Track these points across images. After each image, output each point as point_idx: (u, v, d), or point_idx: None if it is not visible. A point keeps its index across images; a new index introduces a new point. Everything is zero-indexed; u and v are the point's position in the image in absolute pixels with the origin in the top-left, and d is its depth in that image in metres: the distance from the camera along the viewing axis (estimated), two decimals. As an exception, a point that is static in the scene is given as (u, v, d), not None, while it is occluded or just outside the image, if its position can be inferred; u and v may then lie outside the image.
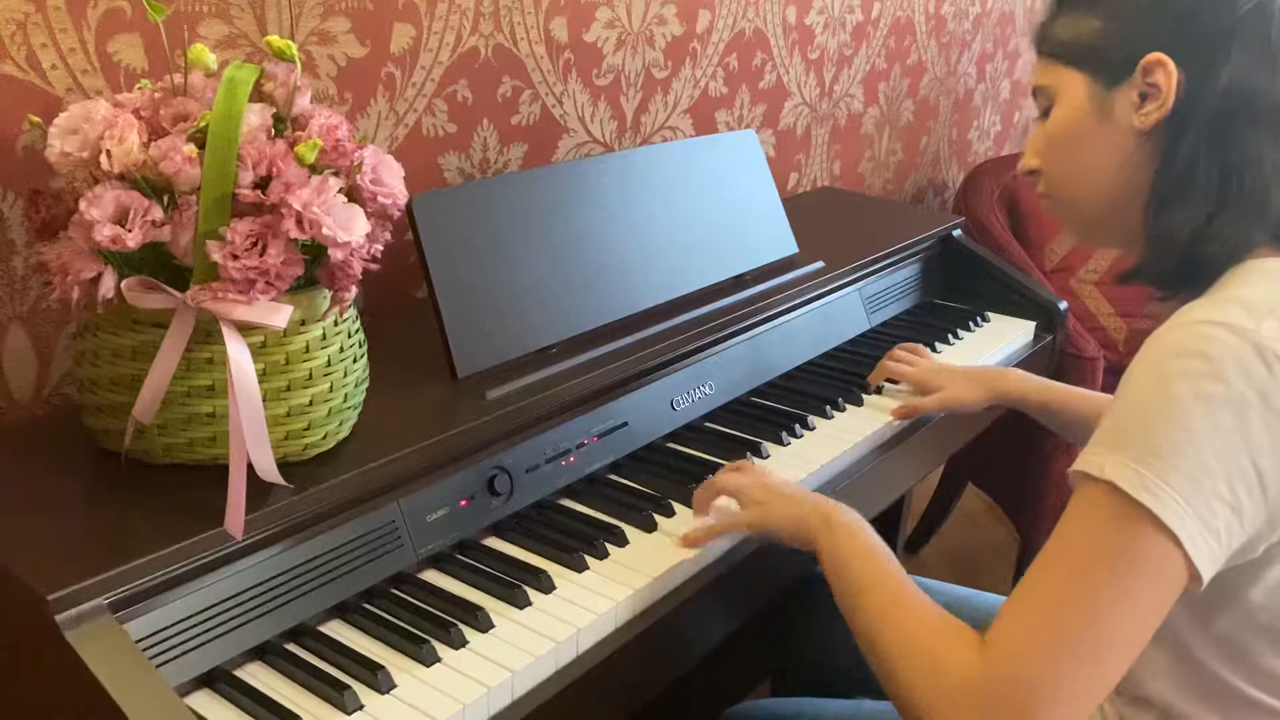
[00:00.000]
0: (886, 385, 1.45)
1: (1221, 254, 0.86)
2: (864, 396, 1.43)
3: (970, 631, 0.83)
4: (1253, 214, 0.86)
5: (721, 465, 1.20)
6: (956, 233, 1.86)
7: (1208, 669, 0.86)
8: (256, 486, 0.86)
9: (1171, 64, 0.87)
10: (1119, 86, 0.90)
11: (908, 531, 2.33)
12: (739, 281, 1.47)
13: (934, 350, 1.62)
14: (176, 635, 0.82)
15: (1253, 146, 0.86)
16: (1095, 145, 0.93)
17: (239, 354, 0.84)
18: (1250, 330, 0.76)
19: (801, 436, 1.32)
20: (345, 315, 0.96)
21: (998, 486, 2.20)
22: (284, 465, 0.90)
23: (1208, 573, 0.76)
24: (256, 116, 0.86)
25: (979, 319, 1.75)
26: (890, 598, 0.88)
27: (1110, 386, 2.04)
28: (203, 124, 0.84)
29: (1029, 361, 1.72)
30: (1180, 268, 0.88)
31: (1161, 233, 0.89)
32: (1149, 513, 0.74)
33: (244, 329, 0.85)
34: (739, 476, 1.09)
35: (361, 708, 0.83)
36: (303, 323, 0.91)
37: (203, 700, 0.84)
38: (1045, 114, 0.97)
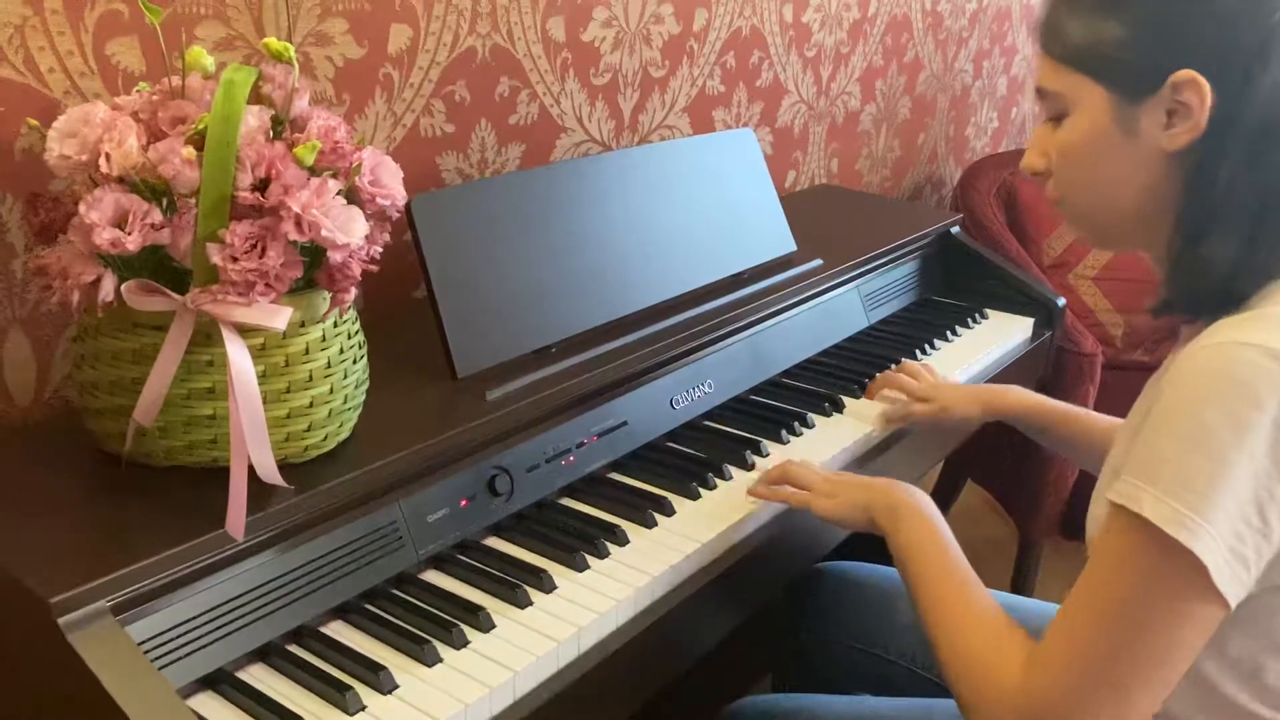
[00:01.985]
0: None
1: (1257, 282, 0.82)
2: (863, 394, 1.43)
3: (1020, 637, 0.85)
4: None
5: (722, 465, 1.21)
6: (954, 229, 1.87)
7: (1217, 688, 0.85)
8: (257, 488, 0.86)
9: (1205, 83, 0.80)
10: (1144, 102, 0.83)
11: (907, 528, 2.34)
12: (737, 280, 1.47)
13: (933, 347, 1.62)
14: (179, 637, 0.82)
15: None
16: (1118, 163, 0.87)
17: (239, 356, 0.84)
18: None
19: (801, 434, 1.32)
20: (345, 316, 0.96)
21: (997, 483, 2.20)
22: (284, 467, 0.90)
23: (1235, 600, 0.76)
24: (255, 118, 0.86)
25: (977, 315, 1.75)
26: (947, 596, 0.91)
27: (1107, 382, 2.04)
28: (201, 126, 0.84)
29: (1027, 357, 1.73)
30: (1215, 296, 0.83)
31: (1198, 262, 0.84)
32: (1185, 550, 0.73)
33: (244, 331, 0.86)
34: (805, 470, 1.13)
35: (364, 708, 0.84)
36: (302, 324, 0.91)
37: (205, 702, 0.84)
38: (1056, 118, 0.90)
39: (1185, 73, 0.81)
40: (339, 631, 0.93)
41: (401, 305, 1.40)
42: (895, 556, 0.99)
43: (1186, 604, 0.75)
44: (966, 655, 0.86)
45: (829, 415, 1.37)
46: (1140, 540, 0.76)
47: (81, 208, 0.82)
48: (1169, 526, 0.74)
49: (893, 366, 1.47)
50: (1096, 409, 1.90)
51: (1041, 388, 1.83)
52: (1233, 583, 0.75)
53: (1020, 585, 2.12)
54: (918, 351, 1.59)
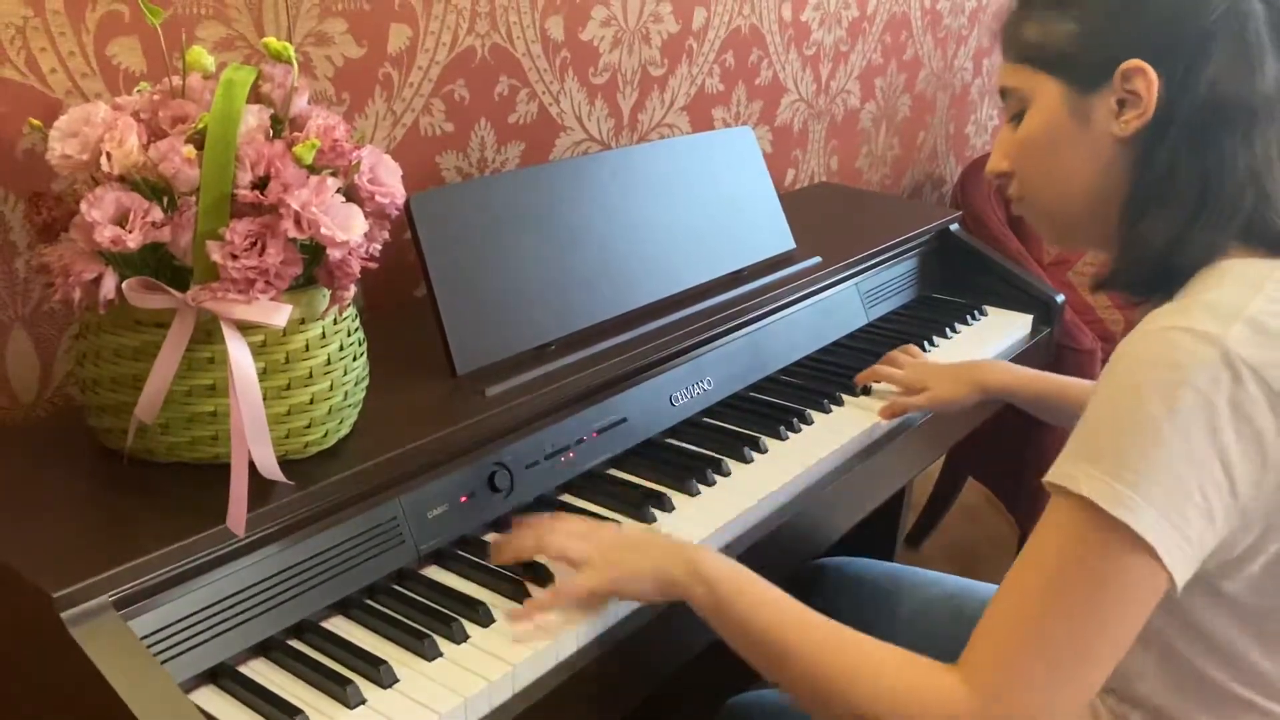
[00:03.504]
0: (880, 384, 1.45)
1: (1196, 258, 0.86)
2: (856, 384, 1.44)
3: (918, 657, 0.81)
4: (1226, 218, 0.85)
5: (720, 460, 1.21)
6: (954, 227, 1.87)
7: (1194, 668, 0.86)
8: (258, 484, 0.87)
9: (1152, 71, 0.85)
10: (1096, 92, 0.88)
11: (908, 525, 2.34)
12: (737, 277, 1.48)
13: (932, 344, 1.63)
14: (181, 632, 0.83)
15: (1229, 150, 0.85)
16: (1072, 152, 0.91)
17: (239, 353, 0.84)
18: (1217, 337, 0.76)
19: (800, 431, 1.32)
20: (344, 314, 0.97)
21: (997, 479, 2.20)
22: (285, 463, 0.91)
23: (1182, 578, 0.76)
24: (254, 118, 0.87)
25: (976, 313, 1.76)
26: (833, 646, 0.83)
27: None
28: (201, 125, 0.85)
29: (1026, 354, 1.73)
30: (1155, 273, 0.87)
31: (1137, 240, 0.88)
32: (1125, 527, 0.74)
33: (244, 328, 0.86)
34: (565, 537, 0.95)
35: (364, 702, 0.84)
36: (302, 321, 0.92)
37: (207, 696, 0.84)
38: (1016, 117, 0.95)
39: (1133, 62, 0.86)
40: (340, 626, 0.93)
41: (402, 303, 1.41)
42: (718, 623, 0.88)
43: (1130, 580, 0.75)
44: (894, 698, 0.79)
45: (828, 412, 1.38)
46: (1080, 520, 0.76)
47: (83, 206, 0.83)
48: (1108, 504, 0.74)
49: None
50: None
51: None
52: (1180, 560, 0.75)
53: (1021, 582, 2.12)
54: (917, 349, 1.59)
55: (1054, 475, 0.79)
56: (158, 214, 0.84)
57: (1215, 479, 0.75)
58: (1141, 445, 0.75)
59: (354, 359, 0.98)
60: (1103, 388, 0.79)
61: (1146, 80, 0.86)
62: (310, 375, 0.93)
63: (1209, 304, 0.79)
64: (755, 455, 1.25)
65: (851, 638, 0.84)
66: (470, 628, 0.93)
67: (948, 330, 1.68)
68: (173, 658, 0.82)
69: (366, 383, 1.02)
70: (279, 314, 0.85)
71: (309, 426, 0.94)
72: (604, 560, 0.93)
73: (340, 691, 0.84)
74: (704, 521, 1.11)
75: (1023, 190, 0.97)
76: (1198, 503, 0.75)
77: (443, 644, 0.91)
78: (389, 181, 0.93)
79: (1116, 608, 0.76)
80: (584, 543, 0.94)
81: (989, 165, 0.99)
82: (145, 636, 0.80)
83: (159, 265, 0.87)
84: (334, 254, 0.87)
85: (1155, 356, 0.77)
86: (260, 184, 0.85)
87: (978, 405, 1.41)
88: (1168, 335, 0.77)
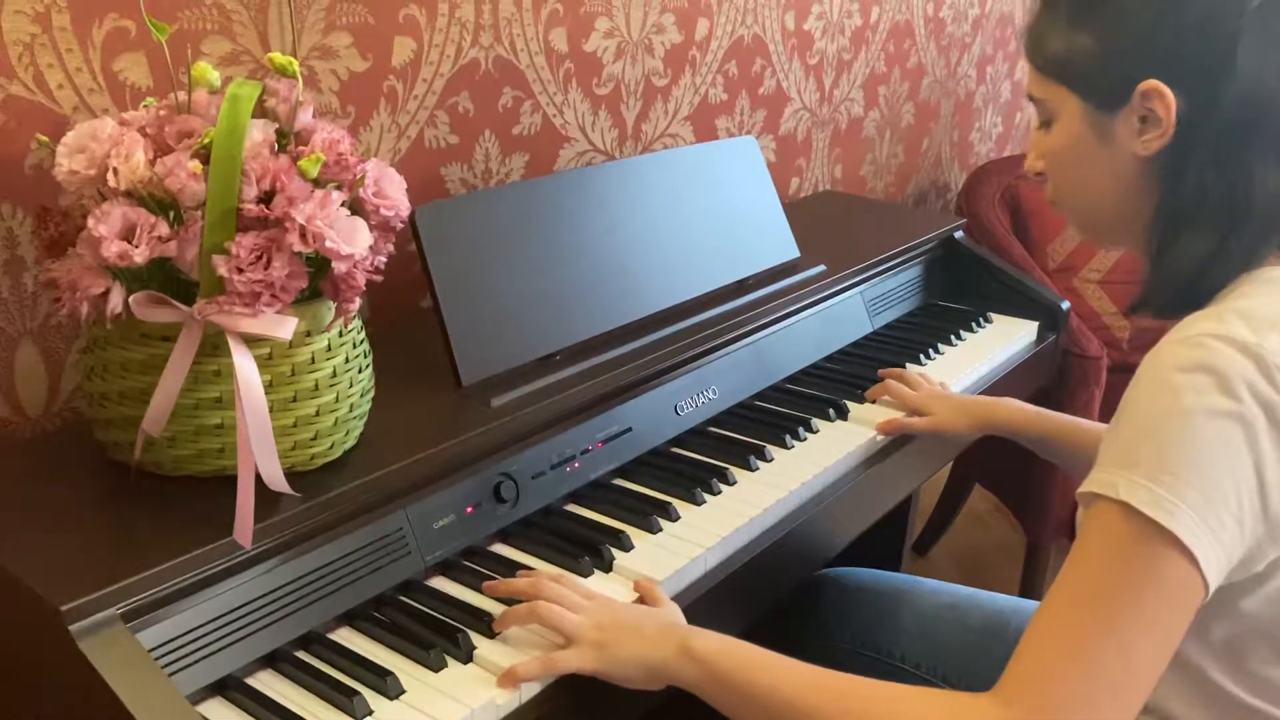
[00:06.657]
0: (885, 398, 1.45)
1: (1230, 275, 0.85)
2: (867, 400, 1.44)
3: (964, 694, 0.79)
4: (1261, 233, 0.85)
5: (726, 469, 1.21)
6: (958, 234, 1.87)
7: (1206, 678, 0.85)
8: (265, 496, 0.87)
9: (1169, 92, 0.84)
10: (1118, 111, 0.88)
11: (916, 533, 2.34)
12: (741, 286, 1.48)
13: (937, 352, 1.63)
14: (188, 644, 0.83)
15: (1259, 165, 0.84)
16: (1097, 167, 0.91)
17: (246, 366, 0.85)
18: (1253, 344, 0.76)
19: (805, 440, 1.32)
20: (350, 326, 0.97)
21: (1005, 487, 2.20)
22: (291, 475, 0.91)
23: (1214, 584, 0.76)
24: (260, 132, 0.88)
25: (981, 320, 1.76)
26: (860, 697, 0.81)
27: (1113, 385, 2.05)
28: (207, 140, 0.85)
29: (1031, 361, 1.73)
30: (1188, 292, 0.87)
31: (1168, 264, 0.88)
32: (1167, 532, 0.74)
33: (250, 341, 0.87)
34: (563, 611, 0.91)
35: (371, 713, 0.84)
36: (308, 334, 0.92)
37: (215, 708, 0.85)
38: (1046, 124, 0.95)
39: (1151, 83, 0.85)
40: (346, 638, 0.93)
41: (407, 315, 1.42)
42: (720, 694, 0.86)
43: (1170, 586, 0.75)
44: None
45: (833, 421, 1.38)
46: (1121, 526, 0.75)
47: (90, 221, 0.83)
48: (1149, 509, 0.74)
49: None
50: (1102, 412, 1.91)
51: (1046, 391, 1.83)
52: (1214, 566, 0.75)
53: (1029, 589, 2.12)
54: (922, 356, 1.59)
55: (1092, 484, 0.78)
56: (164, 228, 0.84)
57: (1250, 486, 0.75)
58: (1181, 450, 0.75)
59: (359, 371, 0.99)
60: (1137, 394, 0.79)
61: (1164, 102, 0.85)
62: (316, 387, 0.93)
63: (1243, 312, 0.79)
64: (761, 464, 1.25)
65: (880, 690, 0.81)
66: (477, 638, 0.93)
67: (953, 338, 1.68)
68: (180, 670, 0.82)
69: (372, 394, 1.02)
70: (285, 327, 0.85)
71: (315, 438, 0.94)
72: (595, 640, 0.90)
73: (347, 703, 0.84)
74: (709, 531, 1.11)
75: (1055, 194, 0.98)
76: (1233, 510, 0.75)
77: (449, 655, 0.91)
78: (393, 194, 0.94)
79: (1158, 615, 0.75)
80: (578, 617, 0.91)
81: (1027, 164, 1.00)
82: (153, 649, 0.80)
83: (165, 279, 0.87)
84: (339, 267, 0.88)
85: (1192, 362, 0.76)
86: (265, 198, 0.86)
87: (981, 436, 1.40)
88: (1204, 342, 0.77)
